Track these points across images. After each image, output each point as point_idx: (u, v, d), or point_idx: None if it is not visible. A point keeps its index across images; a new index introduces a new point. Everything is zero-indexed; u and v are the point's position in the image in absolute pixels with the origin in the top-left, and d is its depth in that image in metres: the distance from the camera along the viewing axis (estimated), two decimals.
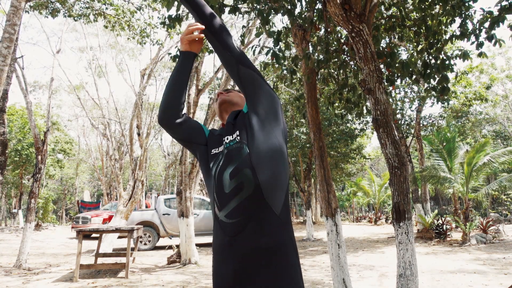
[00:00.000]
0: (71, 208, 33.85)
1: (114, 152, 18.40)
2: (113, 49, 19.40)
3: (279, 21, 39.09)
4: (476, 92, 13.35)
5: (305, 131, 13.46)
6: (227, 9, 3.84)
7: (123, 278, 5.83)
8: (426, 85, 4.43)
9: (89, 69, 18.75)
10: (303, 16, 4.37)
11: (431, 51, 4.15)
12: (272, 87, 1.87)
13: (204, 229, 10.47)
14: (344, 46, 4.39)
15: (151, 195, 23.84)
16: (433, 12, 4.04)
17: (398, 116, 13.33)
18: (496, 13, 3.54)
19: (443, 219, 11.19)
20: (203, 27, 1.36)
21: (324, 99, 6.24)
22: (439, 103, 6.77)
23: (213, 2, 3.54)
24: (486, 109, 23.97)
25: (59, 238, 13.67)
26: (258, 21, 4.68)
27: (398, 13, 4.21)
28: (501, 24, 3.50)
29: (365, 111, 5.35)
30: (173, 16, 3.94)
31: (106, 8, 7.55)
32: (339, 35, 4.74)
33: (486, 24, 3.71)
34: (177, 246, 7.63)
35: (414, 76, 4.41)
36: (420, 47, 4.45)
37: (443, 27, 4.18)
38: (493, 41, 3.65)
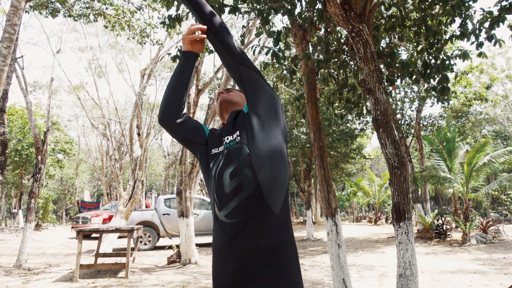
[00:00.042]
0: (71, 208, 33.85)
1: (114, 152, 18.41)
2: (113, 49, 19.41)
3: (279, 21, 39.12)
4: (476, 92, 13.36)
5: (305, 131, 13.46)
6: (227, 9, 3.84)
7: (123, 278, 5.83)
8: (426, 85, 4.44)
9: (89, 69, 18.77)
10: (303, 16, 4.37)
11: (431, 51, 4.16)
12: (272, 87, 1.87)
13: (204, 229, 10.47)
14: (344, 46, 4.39)
15: (151, 195, 23.85)
16: (433, 12, 4.04)
17: (398, 116, 13.33)
18: (496, 13, 3.55)
19: (443, 219, 11.19)
20: (205, 27, 1.36)
21: (324, 99, 6.24)
22: (439, 103, 6.77)
23: (213, 2, 3.55)
24: (486, 109, 23.97)
25: (59, 238, 13.67)
26: (258, 21, 4.68)
27: (398, 13, 4.21)
28: (501, 24, 3.51)
29: (365, 111, 5.35)
30: (173, 16, 3.94)
31: (106, 8, 7.55)
32: (339, 35, 4.74)
33: (486, 24, 3.71)
34: (177, 246, 7.63)
35: (414, 76, 4.41)
36: (420, 47, 4.45)
37: (443, 27, 4.18)
38: (493, 41, 3.65)
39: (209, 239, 11.42)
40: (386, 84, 4.41)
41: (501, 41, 3.64)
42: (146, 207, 18.06)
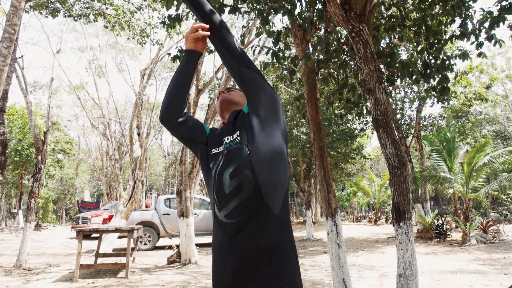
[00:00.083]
0: (71, 208, 33.85)
1: (114, 152, 18.41)
2: (113, 49, 19.41)
3: (279, 21, 39.12)
4: (476, 92, 13.36)
5: (305, 131, 13.46)
6: (227, 9, 3.84)
7: (123, 278, 5.83)
8: (426, 85, 4.44)
9: (89, 69, 18.79)
10: (303, 16, 4.37)
11: (431, 51, 4.16)
12: (272, 87, 1.87)
13: (204, 229, 10.47)
14: (344, 46, 4.39)
15: (151, 195, 23.85)
16: (433, 12, 4.04)
17: (398, 116, 13.33)
18: (496, 13, 3.55)
19: (443, 219, 11.19)
20: (208, 26, 1.36)
21: (324, 99, 6.24)
22: (439, 103, 6.77)
23: (213, 2, 3.55)
24: (486, 109, 23.97)
25: (59, 238, 13.67)
26: (258, 21, 4.68)
27: (398, 13, 4.21)
28: (501, 24, 3.51)
29: (365, 111, 5.35)
30: (173, 16, 3.94)
31: (106, 8, 7.55)
32: (339, 35, 4.74)
33: (486, 24, 3.71)
34: (177, 246, 7.63)
35: (414, 76, 4.41)
36: (420, 47, 4.45)
37: (443, 27, 4.18)
38: (493, 41, 3.65)
39: (209, 239, 11.42)
40: (386, 84, 4.41)
41: (501, 41, 3.64)
42: (146, 207, 18.06)
